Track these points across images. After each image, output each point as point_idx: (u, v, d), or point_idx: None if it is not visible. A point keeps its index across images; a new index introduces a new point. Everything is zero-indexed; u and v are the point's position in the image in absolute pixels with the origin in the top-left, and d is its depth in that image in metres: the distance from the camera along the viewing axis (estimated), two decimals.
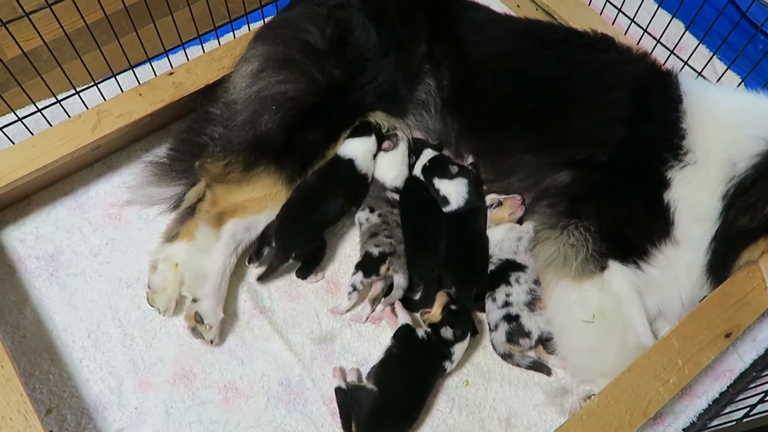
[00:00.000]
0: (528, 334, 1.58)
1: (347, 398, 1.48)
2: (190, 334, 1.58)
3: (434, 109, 1.79)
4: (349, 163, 1.70)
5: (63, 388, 1.53)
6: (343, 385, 1.50)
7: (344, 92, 1.72)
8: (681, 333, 1.48)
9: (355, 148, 1.71)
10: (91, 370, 1.56)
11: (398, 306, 1.63)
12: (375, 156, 1.75)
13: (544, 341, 1.60)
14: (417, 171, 1.79)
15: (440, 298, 1.60)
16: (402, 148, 1.77)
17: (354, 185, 1.71)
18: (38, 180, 1.76)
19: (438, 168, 1.75)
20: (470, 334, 1.58)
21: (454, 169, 1.75)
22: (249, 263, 1.70)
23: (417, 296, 1.68)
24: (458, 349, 1.55)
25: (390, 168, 1.76)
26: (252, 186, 1.66)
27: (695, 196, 1.58)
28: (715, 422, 1.48)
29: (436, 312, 1.59)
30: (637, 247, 1.58)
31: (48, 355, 1.58)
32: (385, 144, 1.78)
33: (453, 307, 1.58)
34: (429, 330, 1.56)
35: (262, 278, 1.68)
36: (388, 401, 1.45)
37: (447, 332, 1.53)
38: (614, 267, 1.56)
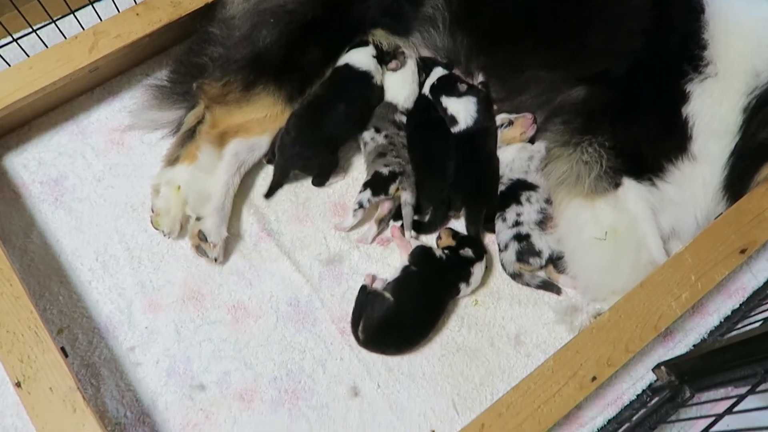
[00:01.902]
0: (538, 253, 1.56)
1: (366, 300, 1.49)
2: (194, 252, 1.58)
3: (442, 25, 1.70)
4: (346, 67, 1.65)
5: (73, 308, 1.54)
6: (370, 287, 1.52)
7: (345, 6, 1.65)
8: (695, 249, 1.45)
9: (352, 55, 1.67)
10: (100, 292, 1.57)
11: (408, 235, 1.61)
12: (375, 57, 1.68)
13: (555, 260, 1.58)
14: (425, 90, 1.73)
15: (447, 230, 1.60)
16: (410, 65, 1.71)
17: (358, 87, 1.65)
18: (37, 104, 1.72)
19: (446, 86, 1.69)
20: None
21: (463, 87, 1.69)
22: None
23: (426, 218, 1.66)
24: (477, 271, 1.54)
25: (401, 87, 1.71)
26: (252, 106, 1.62)
27: (715, 110, 1.52)
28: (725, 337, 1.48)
29: (446, 241, 1.57)
30: (653, 163, 1.54)
31: (57, 277, 1.58)
32: (392, 63, 1.72)
33: (461, 234, 1.60)
34: (447, 252, 1.55)
35: (269, 195, 1.67)
36: (401, 313, 1.47)
37: (467, 252, 1.54)
38: (628, 184, 1.52)
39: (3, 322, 1.33)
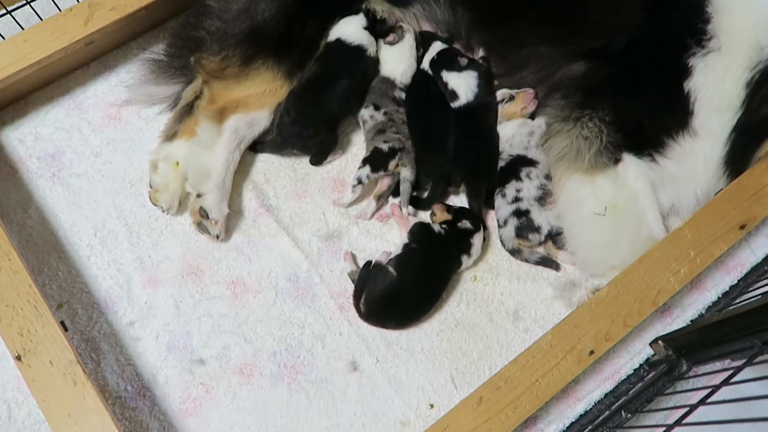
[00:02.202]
0: (538, 229, 1.56)
1: (369, 273, 1.49)
2: (196, 229, 1.57)
3: None
4: (338, 42, 1.63)
5: (72, 284, 1.54)
6: (354, 268, 1.54)
7: None
8: (695, 225, 1.45)
9: (342, 29, 1.64)
10: (99, 267, 1.57)
11: (405, 212, 1.61)
12: (366, 29, 1.65)
13: (554, 236, 1.58)
14: (425, 64, 1.71)
15: (439, 206, 1.58)
16: (408, 39, 1.69)
17: (354, 62, 1.63)
18: (33, 78, 1.69)
19: (446, 60, 1.67)
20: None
21: (464, 61, 1.67)
22: None
23: (425, 194, 1.65)
24: (477, 241, 1.54)
25: (398, 62, 1.68)
26: (251, 81, 1.60)
27: (718, 84, 1.50)
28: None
29: (441, 216, 1.56)
30: (654, 139, 1.52)
31: (55, 252, 1.58)
32: (389, 37, 1.70)
33: (455, 207, 1.59)
34: (445, 226, 1.54)
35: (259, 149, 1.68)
36: (404, 289, 1.47)
37: (465, 224, 1.53)
38: (628, 160, 1.51)
39: (2, 296, 1.33)
